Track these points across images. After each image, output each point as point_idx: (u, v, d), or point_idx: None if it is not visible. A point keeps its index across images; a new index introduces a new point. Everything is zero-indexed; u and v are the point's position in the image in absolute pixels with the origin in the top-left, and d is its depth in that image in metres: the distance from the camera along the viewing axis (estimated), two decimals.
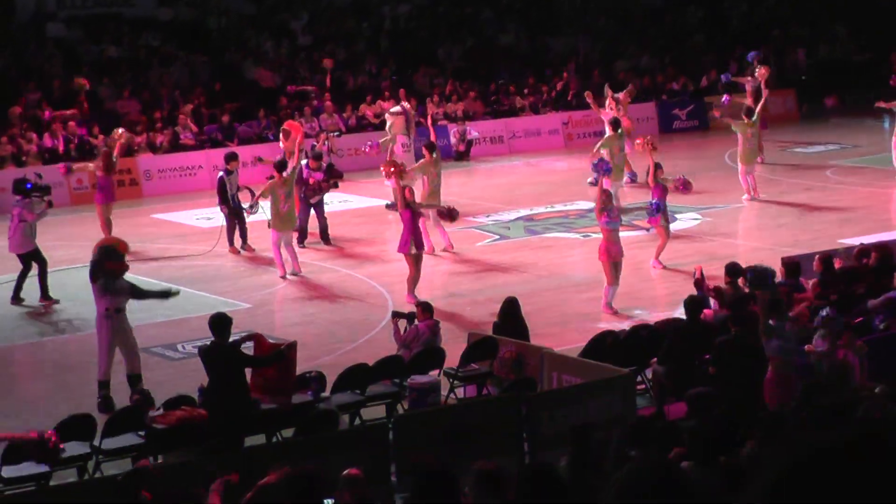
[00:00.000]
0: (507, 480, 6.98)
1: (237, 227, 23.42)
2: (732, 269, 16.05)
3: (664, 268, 20.85)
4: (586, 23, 43.05)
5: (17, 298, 20.28)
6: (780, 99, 38.11)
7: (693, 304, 14.73)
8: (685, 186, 21.72)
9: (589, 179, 27.49)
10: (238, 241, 23.47)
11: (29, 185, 20.33)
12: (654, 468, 3.00)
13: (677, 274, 20.39)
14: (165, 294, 16.23)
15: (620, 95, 29.77)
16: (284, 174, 21.40)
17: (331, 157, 31.95)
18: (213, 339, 13.45)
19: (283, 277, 21.28)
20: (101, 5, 37.63)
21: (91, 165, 24.76)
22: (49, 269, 20.36)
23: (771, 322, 13.63)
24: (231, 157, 23.93)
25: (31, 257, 20.17)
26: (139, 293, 15.75)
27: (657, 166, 21.03)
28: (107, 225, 23.55)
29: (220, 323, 13.42)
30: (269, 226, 21.59)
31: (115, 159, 24.16)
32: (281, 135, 25.90)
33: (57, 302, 20.15)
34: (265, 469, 11.32)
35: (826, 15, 45.58)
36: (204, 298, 20.16)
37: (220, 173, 23.88)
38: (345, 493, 8.36)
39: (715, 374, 13.51)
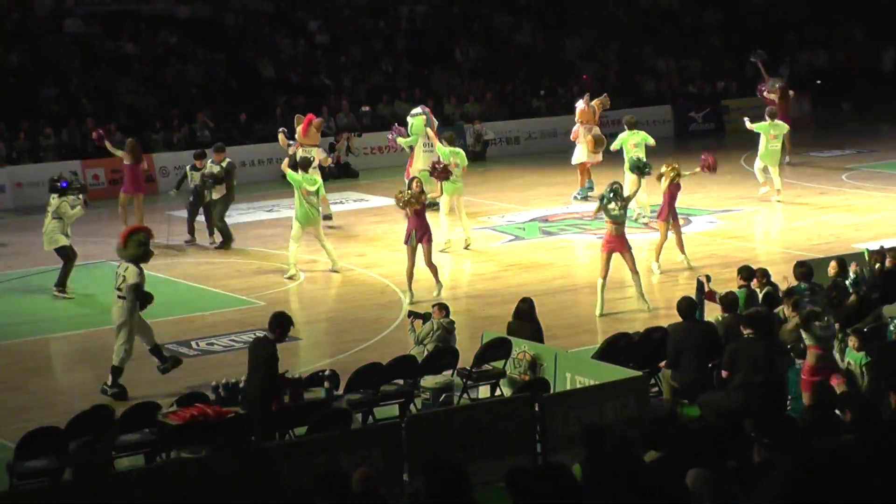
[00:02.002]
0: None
1: (206, 218, 24.13)
2: (746, 273, 16.00)
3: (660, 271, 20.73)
4: (602, 24, 42.96)
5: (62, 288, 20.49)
6: (795, 102, 37.98)
7: (687, 307, 14.59)
8: (711, 166, 21.52)
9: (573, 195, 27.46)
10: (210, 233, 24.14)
11: (64, 185, 20.45)
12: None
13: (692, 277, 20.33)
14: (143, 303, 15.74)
15: (594, 103, 27.46)
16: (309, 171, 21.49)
17: (348, 156, 32.11)
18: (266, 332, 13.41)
19: (291, 278, 21.17)
20: (118, 2, 37.70)
21: (120, 153, 24.88)
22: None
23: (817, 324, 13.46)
24: (199, 156, 24.48)
25: (63, 252, 20.33)
26: (140, 295, 15.47)
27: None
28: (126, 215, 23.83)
29: (276, 320, 13.30)
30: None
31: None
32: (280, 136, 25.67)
33: (70, 296, 20.28)
34: (278, 467, 11.39)
35: (842, 17, 45.43)
36: (218, 296, 20.25)
37: (187, 167, 24.61)
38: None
39: (726, 378, 13.47)
